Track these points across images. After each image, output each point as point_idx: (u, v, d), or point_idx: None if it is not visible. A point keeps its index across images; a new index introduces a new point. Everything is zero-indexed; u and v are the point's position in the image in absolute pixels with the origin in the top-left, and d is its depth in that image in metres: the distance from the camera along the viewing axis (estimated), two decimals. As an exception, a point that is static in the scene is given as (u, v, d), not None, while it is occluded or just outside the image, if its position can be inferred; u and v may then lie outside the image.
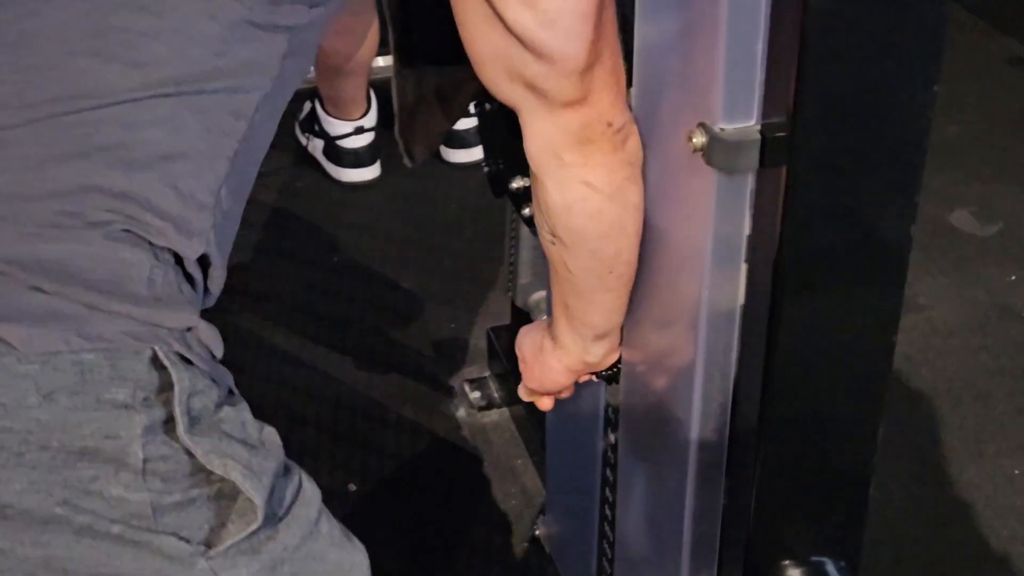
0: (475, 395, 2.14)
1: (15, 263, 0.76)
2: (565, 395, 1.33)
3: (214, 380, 0.85)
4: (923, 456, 2.01)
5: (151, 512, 0.80)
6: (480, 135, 1.87)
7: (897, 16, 0.93)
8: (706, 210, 1.03)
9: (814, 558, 1.22)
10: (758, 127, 0.98)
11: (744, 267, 1.05)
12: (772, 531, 1.21)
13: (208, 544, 0.82)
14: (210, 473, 0.83)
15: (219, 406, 0.85)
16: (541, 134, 1.04)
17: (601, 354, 1.22)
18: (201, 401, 0.83)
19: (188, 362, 0.83)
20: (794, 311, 1.03)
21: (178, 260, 0.84)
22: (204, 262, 0.87)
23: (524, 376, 1.31)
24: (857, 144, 0.99)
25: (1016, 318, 2.31)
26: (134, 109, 0.79)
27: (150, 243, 0.82)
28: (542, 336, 1.24)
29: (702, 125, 0.99)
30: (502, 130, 1.81)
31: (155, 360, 0.81)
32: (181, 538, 0.81)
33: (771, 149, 0.98)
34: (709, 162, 0.99)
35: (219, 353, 0.87)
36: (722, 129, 0.98)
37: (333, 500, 1.94)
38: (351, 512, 1.98)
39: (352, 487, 2.00)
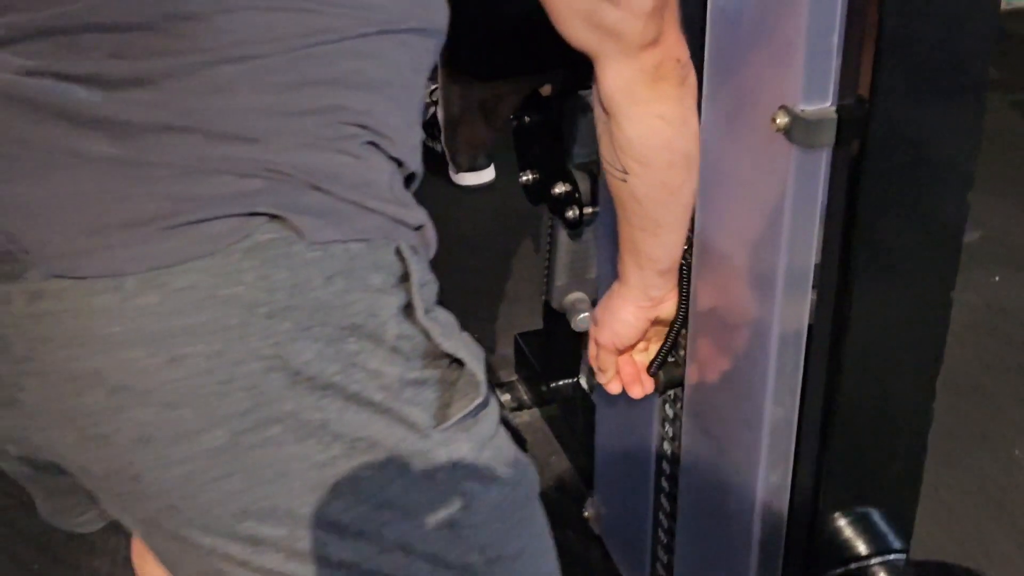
0: (506, 397, 2.26)
1: (295, 167, 0.87)
2: (634, 352, 1.44)
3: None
4: (933, 441, 2.14)
5: (399, 386, 0.92)
6: (516, 148, 2.00)
7: (956, 12, 1.08)
8: (785, 182, 1.16)
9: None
10: (834, 108, 1.12)
11: (818, 233, 1.19)
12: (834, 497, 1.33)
13: (436, 420, 0.94)
14: (438, 357, 0.94)
15: (438, 300, 0.97)
16: (618, 75, 1.13)
17: (663, 289, 1.34)
18: (429, 291, 0.96)
19: (419, 256, 0.96)
20: (863, 278, 1.17)
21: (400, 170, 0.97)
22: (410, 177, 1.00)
23: (598, 336, 1.40)
24: (919, 129, 1.13)
25: (1003, 314, 2.48)
26: (363, 43, 0.91)
27: (387, 154, 0.94)
28: (609, 292, 1.36)
29: (784, 107, 1.13)
30: (539, 141, 1.96)
31: (398, 252, 0.93)
32: (420, 411, 0.93)
33: (845, 128, 1.12)
34: (791, 139, 1.13)
35: (432, 253, 0.99)
36: (803, 111, 1.12)
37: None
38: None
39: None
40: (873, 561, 1.36)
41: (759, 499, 1.36)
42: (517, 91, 1.88)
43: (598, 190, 1.81)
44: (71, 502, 1.11)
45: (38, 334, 0.85)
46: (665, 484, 1.64)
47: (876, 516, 1.37)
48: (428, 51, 0.99)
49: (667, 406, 1.57)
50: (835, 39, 1.09)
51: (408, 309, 0.93)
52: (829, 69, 1.11)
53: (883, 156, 1.12)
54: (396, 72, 0.95)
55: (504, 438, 1.00)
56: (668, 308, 1.37)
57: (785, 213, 1.17)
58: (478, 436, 0.96)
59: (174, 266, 0.83)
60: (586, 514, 1.91)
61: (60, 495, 1.10)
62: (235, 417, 0.86)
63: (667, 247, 1.28)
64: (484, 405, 0.97)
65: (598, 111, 1.19)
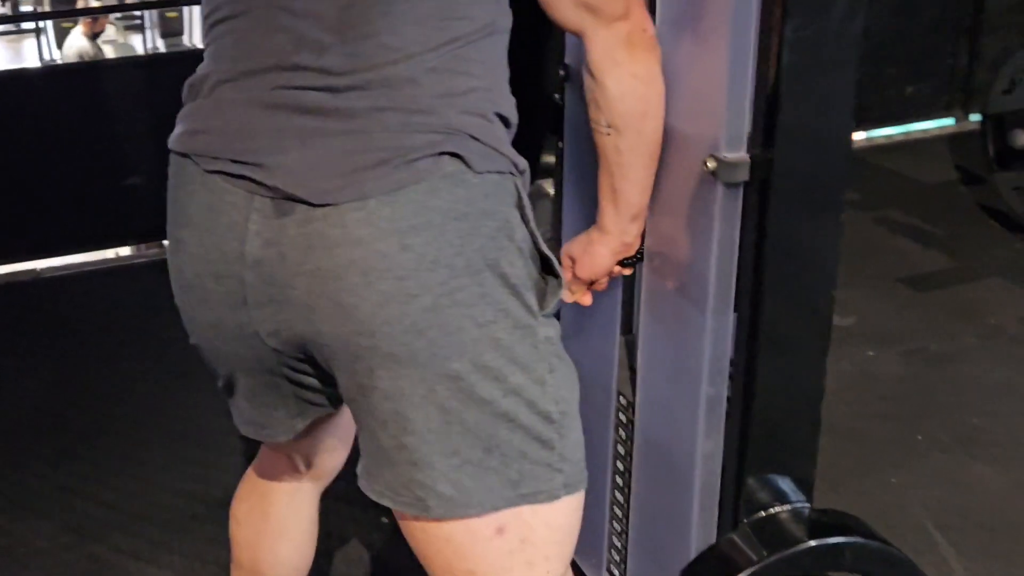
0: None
1: (461, 126, 1.34)
2: (603, 286, 1.83)
3: None
4: (823, 470, 2.62)
5: (524, 276, 1.39)
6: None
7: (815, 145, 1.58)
8: (713, 209, 1.64)
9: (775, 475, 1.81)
10: (747, 156, 1.61)
11: (736, 252, 1.66)
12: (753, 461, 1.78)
13: (540, 307, 1.41)
14: (537, 259, 1.41)
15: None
16: (601, 42, 1.53)
17: (635, 234, 1.72)
18: (529, 213, 1.41)
19: (525, 189, 1.41)
20: (770, 272, 1.64)
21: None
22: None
23: (577, 270, 1.78)
24: (803, 171, 1.62)
25: (875, 379, 2.98)
26: (481, 44, 1.38)
27: (502, 117, 1.40)
28: (587, 234, 1.76)
29: (713, 155, 1.61)
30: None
31: (515, 184, 1.39)
32: (533, 298, 1.40)
33: (754, 169, 1.60)
34: (717, 178, 1.61)
35: (528, 190, 1.44)
36: (726, 157, 1.60)
37: (372, 532, 2.46)
38: (386, 541, 2.48)
39: (385, 520, 2.50)
40: (784, 508, 1.80)
41: (698, 462, 1.80)
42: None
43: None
44: (275, 406, 1.57)
45: (309, 243, 1.31)
46: (620, 449, 2.03)
47: (786, 476, 1.81)
48: (506, 45, 1.45)
49: (621, 393, 2.00)
50: (746, 116, 1.59)
51: (523, 218, 1.40)
52: (743, 130, 1.60)
53: (781, 191, 1.61)
54: (498, 61, 1.42)
55: (561, 342, 1.46)
56: (632, 251, 1.76)
57: (715, 231, 1.65)
58: (555, 326, 1.44)
59: (399, 190, 1.30)
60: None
61: (270, 399, 1.56)
62: (437, 285, 1.32)
63: (641, 190, 1.66)
64: (557, 310, 1.43)
65: (587, 80, 1.58)
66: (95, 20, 10.60)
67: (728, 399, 1.76)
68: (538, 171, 2.27)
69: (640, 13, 1.54)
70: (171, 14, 12.52)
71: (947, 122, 4.55)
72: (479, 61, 1.39)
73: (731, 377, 1.75)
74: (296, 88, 1.34)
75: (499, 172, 1.37)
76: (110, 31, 11.97)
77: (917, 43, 4.41)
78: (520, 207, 1.41)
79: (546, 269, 1.44)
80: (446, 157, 1.33)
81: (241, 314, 1.41)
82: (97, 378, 3.12)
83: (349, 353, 1.36)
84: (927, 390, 2.97)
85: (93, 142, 3.71)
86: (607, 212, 1.70)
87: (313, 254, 1.32)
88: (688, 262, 1.72)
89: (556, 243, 2.13)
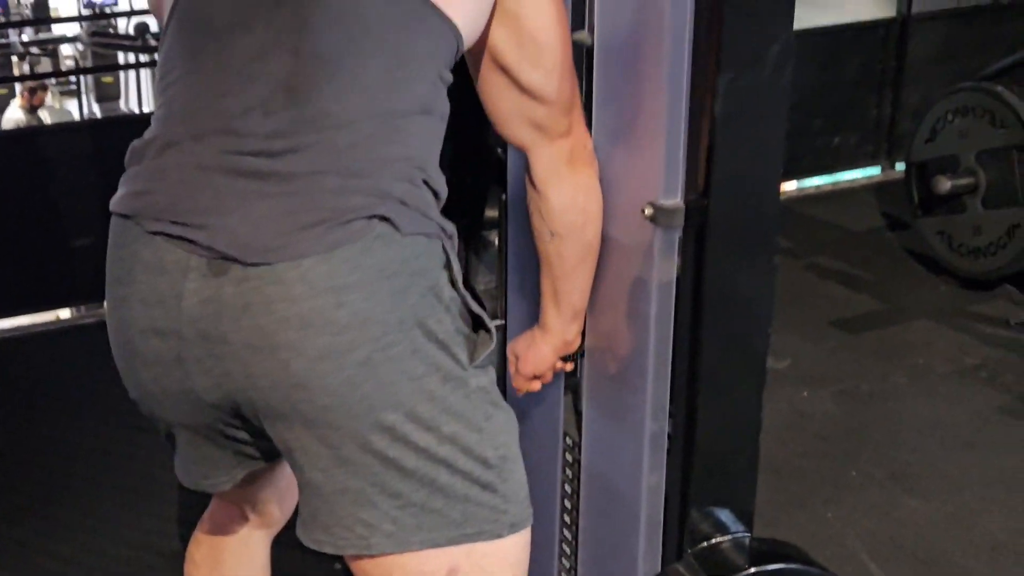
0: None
1: (392, 191, 1.41)
2: (548, 379, 1.92)
3: None
4: (761, 506, 2.71)
5: (453, 332, 1.46)
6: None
7: (760, 140, 1.68)
8: (652, 253, 1.73)
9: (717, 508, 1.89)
10: (682, 203, 1.70)
11: (674, 290, 1.75)
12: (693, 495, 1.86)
13: (470, 360, 1.47)
14: (466, 316, 1.48)
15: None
16: (545, 158, 1.68)
17: (575, 332, 1.84)
18: (459, 274, 1.48)
19: (453, 251, 1.48)
20: (707, 313, 1.74)
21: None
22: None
23: (520, 367, 1.89)
24: (736, 217, 1.72)
25: (810, 418, 3.09)
26: (417, 119, 1.46)
27: (431, 187, 1.47)
28: (530, 333, 1.87)
29: (651, 203, 1.70)
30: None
31: (443, 246, 1.47)
32: (462, 352, 1.47)
33: (690, 215, 1.70)
34: (655, 223, 1.70)
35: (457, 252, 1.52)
36: (663, 204, 1.70)
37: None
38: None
39: (338, 566, 2.55)
40: (726, 538, 1.88)
41: (643, 496, 1.88)
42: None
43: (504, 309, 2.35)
44: (214, 458, 1.62)
45: (246, 301, 1.37)
46: (567, 488, 2.11)
47: (727, 508, 1.90)
48: (442, 130, 1.54)
49: (567, 434, 2.08)
50: (681, 165, 1.68)
51: (451, 279, 1.48)
52: (678, 178, 1.70)
53: (716, 236, 1.70)
54: (433, 138, 1.51)
55: (496, 389, 1.54)
56: (573, 348, 1.89)
57: (654, 275, 1.74)
58: (490, 376, 1.51)
59: (334, 250, 1.37)
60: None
61: (208, 452, 1.61)
62: (370, 341, 1.38)
63: (581, 292, 1.80)
64: (490, 361, 1.50)
65: (530, 192, 1.72)
66: (34, 93, 10.60)
67: (669, 436, 1.85)
68: (484, 223, 2.36)
69: (581, 129, 1.68)
70: (107, 79, 12.54)
71: (874, 171, 4.71)
72: (414, 135, 1.47)
73: (672, 415, 1.84)
74: (240, 153, 1.41)
75: (427, 235, 1.45)
76: (46, 97, 11.98)
77: (842, 95, 4.57)
78: (448, 268, 1.49)
79: (477, 324, 1.52)
80: (376, 219, 1.40)
81: (179, 370, 1.46)
82: (50, 436, 3.15)
83: (287, 406, 1.42)
84: (859, 428, 3.08)
85: (34, 206, 3.76)
86: (549, 312, 1.82)
87: (250, 311, 1.38)
88: (629, 306, 1.81)
89: (502, 291, 2.22)
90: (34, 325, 3.93)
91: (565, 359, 1.91)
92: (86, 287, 3.78)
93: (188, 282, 1.40)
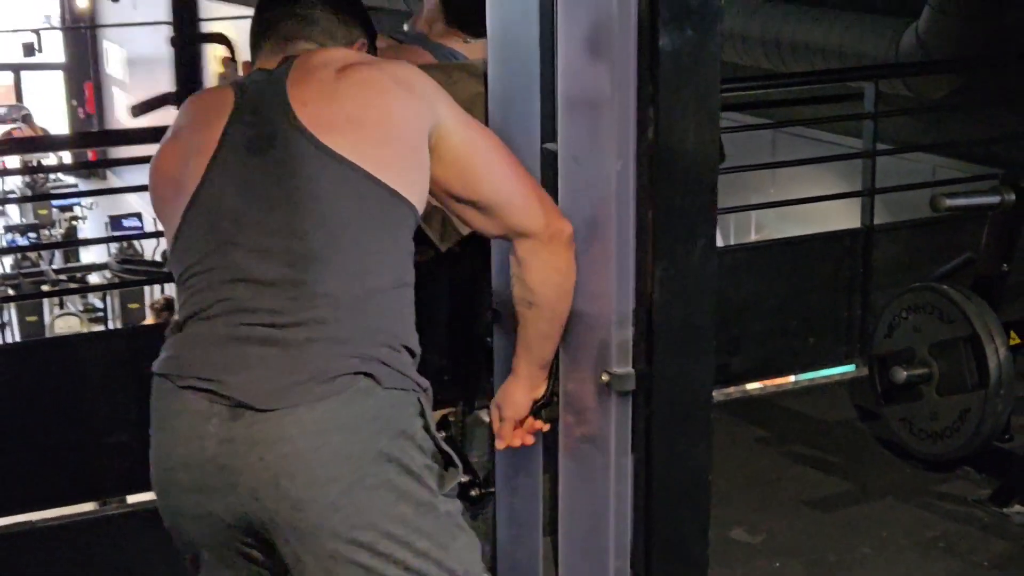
0: None
1: (374, 354, 1.80)
2: (528, 441, 2.25)
3: None
4: None
5: (423, 466, 1.83)
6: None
7: (692, 316, 2.07)
8: (610, 412, 2.09)
9: None
10: (633, 370, 2.08)
11: (630, 438, 2.11)
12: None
13: (440, 489, 1.84)
14: (437, 455, 1.86)
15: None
16: (526, 245, 2.05)
17: (543, 378, 2.19)
18: (432, 420, 1.87)
19: (428, 403, 1.87)
20: (655, 449, 2.09)
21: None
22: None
23: (503, 413, 2.22)
24: (675, 380, 2.09)
25: (782, 583, 3.40)
26: (393, 293, 1.87)
27: (407, 349, 1.87)
28: (505, 383, 2.21)
29: (606, 371, 2.08)
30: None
31: (418, 399, 1.85)
32: (432, 482, 1.84)
33: (640, 381, 2.07)
34: (611, 388, 2.08)
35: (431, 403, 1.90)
36: (617, 372, 2.07)
37: None
38: None
39: None
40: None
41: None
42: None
43: (493, 478, 2.69)
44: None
45: (254, 440, 1.77)
46: None
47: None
48: (412, 295, 1.93)
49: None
50: (630, 340, 2.07)
51: (425, 428, 1.86)
52: (628, 354, 2.08)
53: (660, 397, 2.07)
54: (406, 306, 1.92)
55: (465, 513, 1.90)
56: (541, 392, 2.23)
57: (612, 429, 2.10)
58: (457, 504, 1.89)
59: (322, 400, 1.77)
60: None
61: (227, 572, 1.95)
62: (349, 474, 1.77)
63: (551, 347, 2.16)
64: (457, 490, 1.88)
65: (513, 265, 2.09)
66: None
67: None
68: (475, 402, 2.73)
69: (556, 217, 2.05)
70: (133, 305, 13.09)
71: (848, 368, 5.07)
72: (391, 306, 1.89)
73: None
74: (250, 325, 1.83)
75: (403, 389, 1.85)
76: (73, 323, 12.54)
77: (816, 299, 4.97)
78: (423, 416, 1.88)
79: (448, 462, 1.91)
80: (360, 376, 1.81)
81: (202, 496, 1.84)
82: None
83: (287, 525, 1.79)
84: (828, 594, 3.38)
85: (73, 405, 4.12)
86: (521, 361, 2.19)
87: (257, 448, 1.78)
88: (594, 447, 2.18)
89: (491, 461, 2.58)
90: (69, 516, 4.24)
91: (538, 414, 2.24)
92: (119, 480, 4.12)
93: (210, 425, 1.81)
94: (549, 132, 2.24)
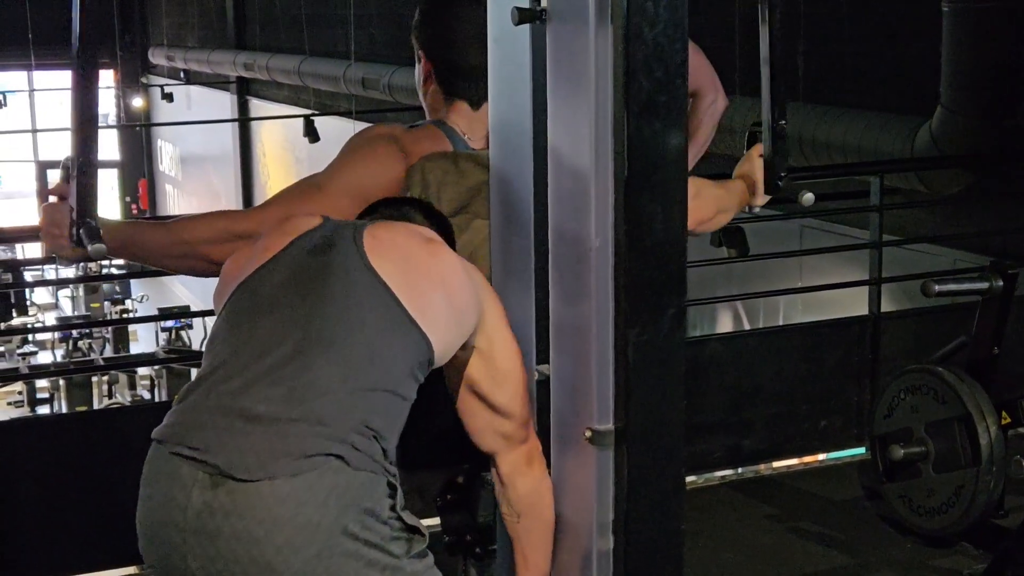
0: None
1: (349, 439, 2.02)
2: None
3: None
4: None
5: (389, 538, 2.05)
6: (440, 517, 3.10)
7: (665, 378, 2.30)
8: (593, 465, 2.32)
9: None
10: (613, 426, 2.31)
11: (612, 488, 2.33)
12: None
13: (407, 554, 2.06)
14: (404, 529, 2.08)
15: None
16: (510, 461, 2.32)
17: None
18: (402, 499, 2.09)
19: (399, 486, 2.10)
20: (632, 495, 2.31)
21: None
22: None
23: None
24: (649, 436, 2.32)
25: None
26: (380, 395, 2.10)
27: (382, 445, 2.08)
28: None
29: (589, 428, 2.31)
30: (456, 512, 3.07)
31: (388, 481, 2.08)
32: (398, 549, 2.06)
33: (619, 437, 2.30)
34: (593, 444, 2.30)
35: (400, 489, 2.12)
36: (599, 429, 2.30)
37: None
38: None
39: None
40: None
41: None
42: (442, 479, 3.04)
43: (495, 534, 2.91)
44: None
45: (233, 506, 1.98)
46: None
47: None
48: (407, 411, 2.18)
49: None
50: (611, 399, 2.30)
51: (392, 506, 2.08)
52: (609, 409, 2.31)
53: (635, 452, 2.30)
54: (395, 413, 2.15)
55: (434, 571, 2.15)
56: None
57: (594, 481, 2.33)
58: (425, 562, 2.12)
59: (297, 475, 1.99)
60: None
61: None
62: (320, 542, 1.98)
63: (545, 556, 2.36)
64: (425, 553, 2.12)
65: (497, 484, 2.35)
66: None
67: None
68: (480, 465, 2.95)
69: (533, 436, 2.33)
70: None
71: (858, 451, 5.26)
72: (378, 405, 2.11)
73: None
74: (244, 400, 2.05)
75: (372, 472, 2.06)
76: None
77: (826, 384, 5.18)
78: (392, 497, 2.08)
79: (413, 531, 2.11)
80: (333, 457, 2.03)
81: (183, 552, 2.03)
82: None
83: None
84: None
85: (104, 475, 4.38)
86: (521, 573, 2.39)
87: (235, 514, 1.99)
88: (574, 502, 2.40)
89: (494, 518, 2.79)
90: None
91: None
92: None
93: (194, 490, 2.02)
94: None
